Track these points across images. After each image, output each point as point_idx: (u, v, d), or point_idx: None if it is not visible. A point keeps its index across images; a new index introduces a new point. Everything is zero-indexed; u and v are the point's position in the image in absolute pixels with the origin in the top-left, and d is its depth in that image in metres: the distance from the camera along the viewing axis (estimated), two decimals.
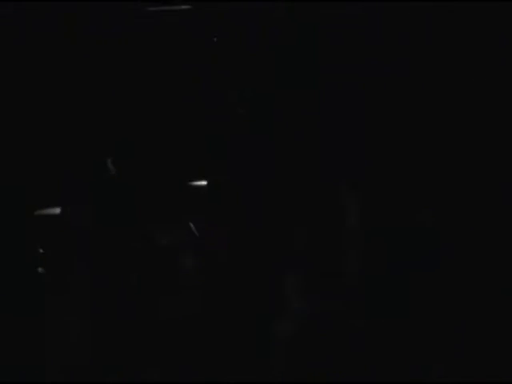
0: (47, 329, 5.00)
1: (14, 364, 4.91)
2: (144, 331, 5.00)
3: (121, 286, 5.13)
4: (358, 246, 5.14)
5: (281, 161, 5.56)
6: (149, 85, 6.04)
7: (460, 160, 5.39)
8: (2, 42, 5.81)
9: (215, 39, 6.08)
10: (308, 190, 5.38)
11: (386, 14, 5.61)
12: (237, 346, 4.97)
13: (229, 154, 5.70)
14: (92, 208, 5.33)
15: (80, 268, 5.12)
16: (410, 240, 5.10)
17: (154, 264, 5.17)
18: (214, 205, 5.51)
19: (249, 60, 5.94)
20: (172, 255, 5.19)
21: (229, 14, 5.97)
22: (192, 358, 4.93)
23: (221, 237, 5.30)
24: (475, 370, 4.67)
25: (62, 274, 5.15)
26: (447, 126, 5.45)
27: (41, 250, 5.41)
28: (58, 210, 5.48)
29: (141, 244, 5.27)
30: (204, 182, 5.73)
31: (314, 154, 5.54)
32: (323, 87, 5.69)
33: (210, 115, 5.96)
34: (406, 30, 5.60)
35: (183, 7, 6.03)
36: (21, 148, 5.80)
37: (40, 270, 5.30)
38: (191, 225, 5.43)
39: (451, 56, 5.51)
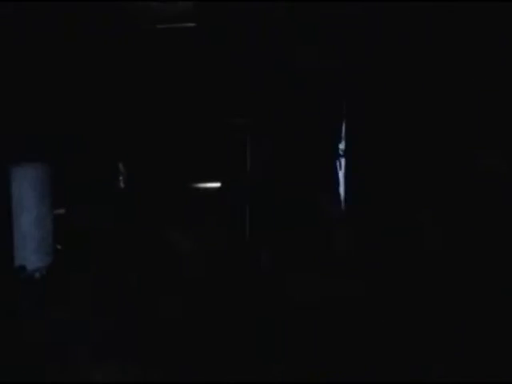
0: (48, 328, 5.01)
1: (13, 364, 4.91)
2: (145, 331, 5.01)
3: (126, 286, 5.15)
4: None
5: None
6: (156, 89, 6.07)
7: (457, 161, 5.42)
8: (2, 42, 5.81)
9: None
10: None
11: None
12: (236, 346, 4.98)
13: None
14: (103, 210, 5.37)
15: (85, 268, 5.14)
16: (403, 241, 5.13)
17: (159, 265, 5.18)
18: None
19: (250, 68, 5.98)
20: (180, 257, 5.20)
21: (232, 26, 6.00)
22: (192, 358, 4.93)
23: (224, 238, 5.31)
24: (475, 370, 4.67)
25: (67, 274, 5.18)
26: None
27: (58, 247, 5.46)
28: (67, 210, 5.52)
29: (151, 246, 5.30)
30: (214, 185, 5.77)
31: None
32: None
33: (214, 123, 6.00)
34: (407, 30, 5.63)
35: (189, 24, 6.07)
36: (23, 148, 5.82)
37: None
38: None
39: (452, 56, 5.53)
